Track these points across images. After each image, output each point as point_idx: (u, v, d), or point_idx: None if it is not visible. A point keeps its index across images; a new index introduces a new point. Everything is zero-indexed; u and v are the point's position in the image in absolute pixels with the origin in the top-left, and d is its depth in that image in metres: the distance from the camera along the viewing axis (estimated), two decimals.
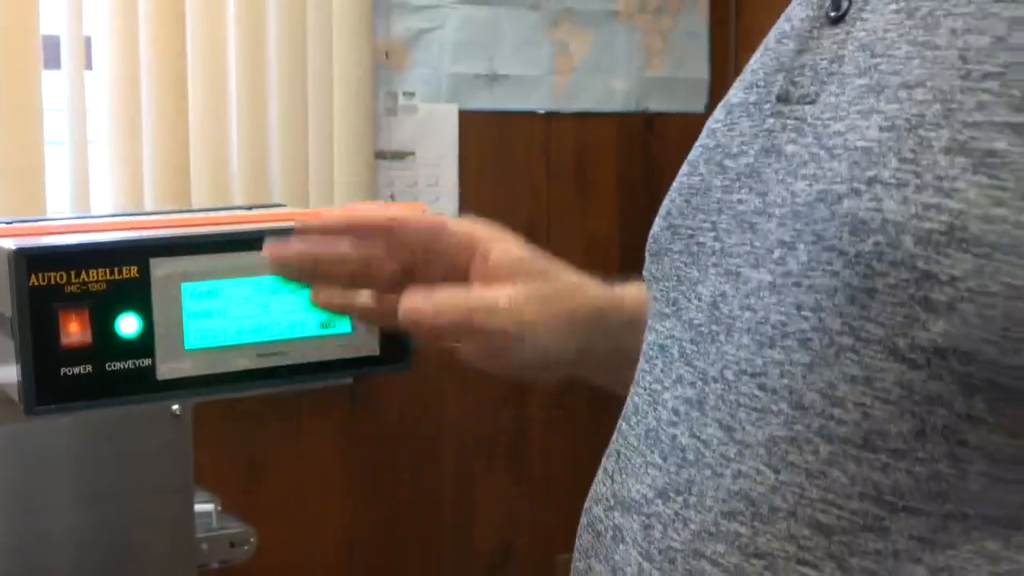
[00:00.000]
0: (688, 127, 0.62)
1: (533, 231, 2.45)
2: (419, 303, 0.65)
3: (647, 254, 0.62)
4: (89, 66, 1.95)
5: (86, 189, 1.91)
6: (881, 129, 0.48)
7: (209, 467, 2.18)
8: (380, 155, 2.24)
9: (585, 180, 2.48)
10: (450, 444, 2.47)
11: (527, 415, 2.51)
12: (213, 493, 1.68)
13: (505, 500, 2.52)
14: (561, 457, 2.53)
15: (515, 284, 0.68)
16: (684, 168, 0.61)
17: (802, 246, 0.50)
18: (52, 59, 1.92)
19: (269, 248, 0.68)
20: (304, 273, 0.70)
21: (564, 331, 0.69)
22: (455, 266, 0.70)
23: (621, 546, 0.56)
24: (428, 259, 0.70)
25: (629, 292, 0.73)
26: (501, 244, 0.70)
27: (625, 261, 2.49)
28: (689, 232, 0.58)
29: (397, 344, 0.89)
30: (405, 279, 0.69)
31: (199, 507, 1.61)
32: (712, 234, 0.56)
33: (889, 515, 0.47)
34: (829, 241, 0.48)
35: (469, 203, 2.36)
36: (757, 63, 0.59)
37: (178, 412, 1.50)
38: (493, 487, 2.50)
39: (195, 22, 1.98)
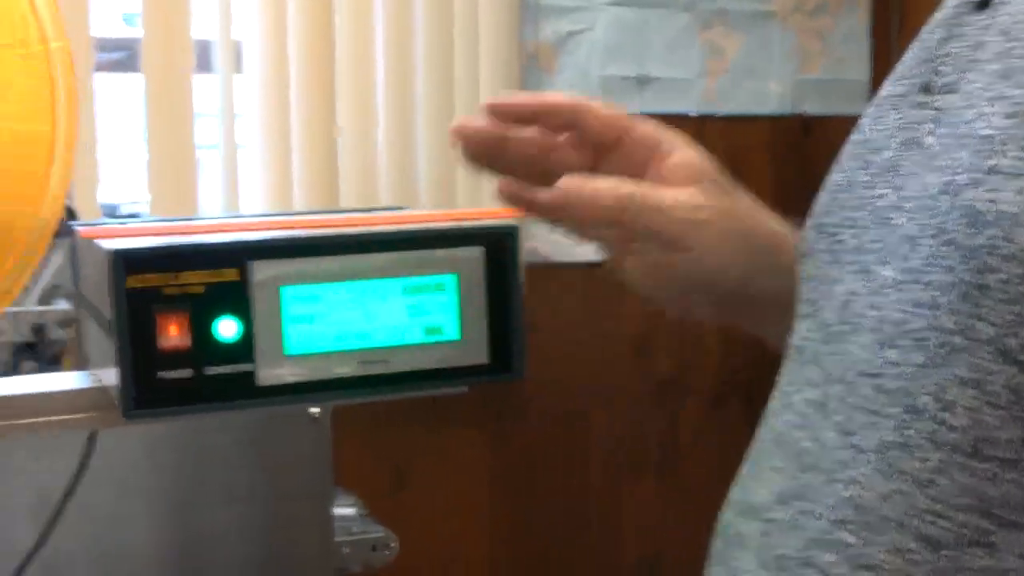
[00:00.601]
0: (847, 131, 0.59)
1: None
2: (578, 182, 0.64)
3: (796, 256, 0.61)
4: (240, 70, 1.98)
5: (236, 191, 1.93)
6: (1006, 116, 0.46)
7: (355, 472, 2.19)
8: None
9: (738, 184, 2.42)
10: (598, 453, 2.43)
11: (678, 423, 2.46)
12: (357, 497, 1.69)
13: (654, 511, 2.47)
14: (713, 466, 2.46)
15: (693, 189, 0.66)
16: (834, 166, 0.60)
17: (925, 240, 0.48)
18: (203, 63, 1.95)
19: (456, 124, 0.69)
20: (487, 153, 0.71)
21: (736, 249, 0.67)
22: (636, 165, 0.68)
23: (740, 552, 0.55)
24: (610, 155, 0.68)
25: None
26: (684, 149, 0.68)
27: None
28: (832, 231, 0.57)
29: (508, 352, 0.86)
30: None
31: (342, 511, 1.61)
32: (852, 231, 0.55)
33: (997, 529, 0.45)
34: (949, 235, 0.46)
35: None
36: (909, 54, 0.57)
37: (317, 415, 1.50)
38: (641, 497, 2.46)
39: (343, 27, 1.99)
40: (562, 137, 0.70)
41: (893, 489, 0.48)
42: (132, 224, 0.92)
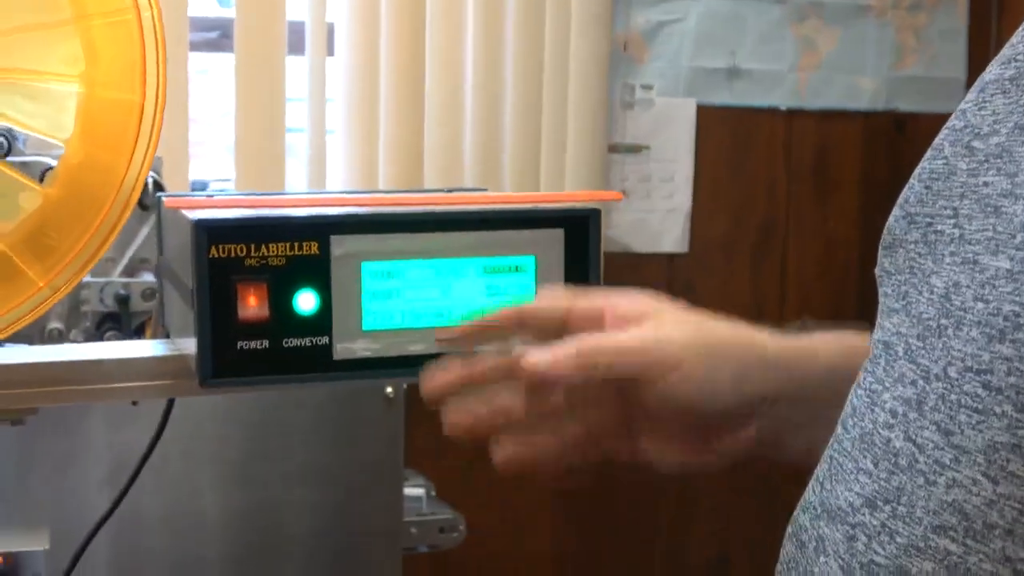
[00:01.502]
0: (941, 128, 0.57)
1: (769, 232, 2.38)
2: (536, 355, 0.64)
3: (880, 248, 0.58)
4: (331, 53, 1.99)
5: (323, 172, 1.95)
6: None
7: (426, 453, 2.20)
8: (614, 148, 2.21)
9: (827, 181, 2.38)
10: None
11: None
12: (427, 478, 1.70)
13: (725, 509, 2.45)
14: (790, 470, 2.43)
15: (647, 322, 0.67)
16: (928, 153, 0.57)
17: None
18: (296, 45, 1.97)
19: (425, 384, 0.73)
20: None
21: (713, 357, 0.66)
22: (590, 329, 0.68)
23: (822, 558, 0.53)
24: (567, 334, 0.68)
25: (823, 341, 0.69)
26: (631, 296, 0.69)
27: (865, 268, 2.38)
28: (927, 220, 0.54)
29: None
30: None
31: (412, 491, 1.63)
32: (952, 221, 0.52)
33: None
34: None
35: (703, 200, 2.30)
36: (1017, 37, 0.54)
37: (391, 395, 1.51)
38: (713, 494, 2.44)
39: (434, 12, 2.00)
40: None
41: (1002, 493, 0.45)
42: (217, 196, 0.93)
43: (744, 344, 0.67)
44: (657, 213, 2.27)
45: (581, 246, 0.84)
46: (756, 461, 0.73)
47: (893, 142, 2.42)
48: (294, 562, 1.50)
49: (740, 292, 2.35)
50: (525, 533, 2.38)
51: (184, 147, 1.85)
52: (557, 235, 0.83)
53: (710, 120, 2.29)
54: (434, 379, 0.73)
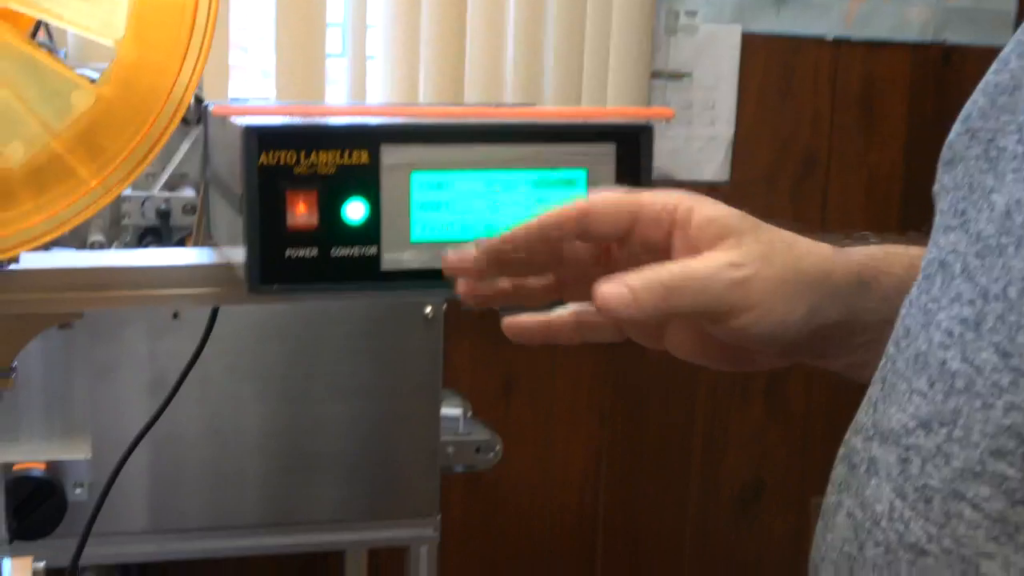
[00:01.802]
0: (989, 61, 0.55)
1: (811, 163, 2.35)
2: (613, 290, 0.59)
3: (939, 164, 0.56)
4: None
5: (363, 88, 1.94)
6: None
7: (464, 374, 2.21)
8: (656, 74, 2.19)
9: (871, 113, 2.35)
10: (705, 374, 2.42)
11: None
12: (464, 398, 1.70)
13: (759, 436, 2.45)
14: (822, 393, 2.44)
15: (725, 247, 0.62)
16: (993, 66, 0.54)
17: None
18: None
19: (447, 261, 0.67)
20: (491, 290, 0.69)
21: (788, 293, 0.62)
22: (658, 242, 0.64)
23: (874, 480, 0.51)
24: (630, 240, 0.65)
25: (873, 252, 0.66)
26: (702, 208, 0.63)
27: (907, 202, 2.36)
28: (989, 136, 0.52)
29: None
30: (605, 264, 0.66)
31: (450, 412, 1.63)
32: (1016, 136, 0.50)
33: None
34: None
35: (746, 129, 2.28)
36: None
37: (431, 314, 1.52)
38: (747, 421, 2.44)
39: None
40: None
41: None
42: (266, 104, 0.92)
43: (820, 272, 0.63)
44: (698, 141, 2.24)
45: (633, 162, 0.83)
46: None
47: (940, 75, 2.38)
48: (331, 478, 1.51)
49: (780, 224, 2.32)
50: (561, 455, 2.39)
51: (224, 67, 1.84)
52: (609, 150, 0.82)
53: (755, 48, 2.25)
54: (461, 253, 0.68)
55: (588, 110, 0.91)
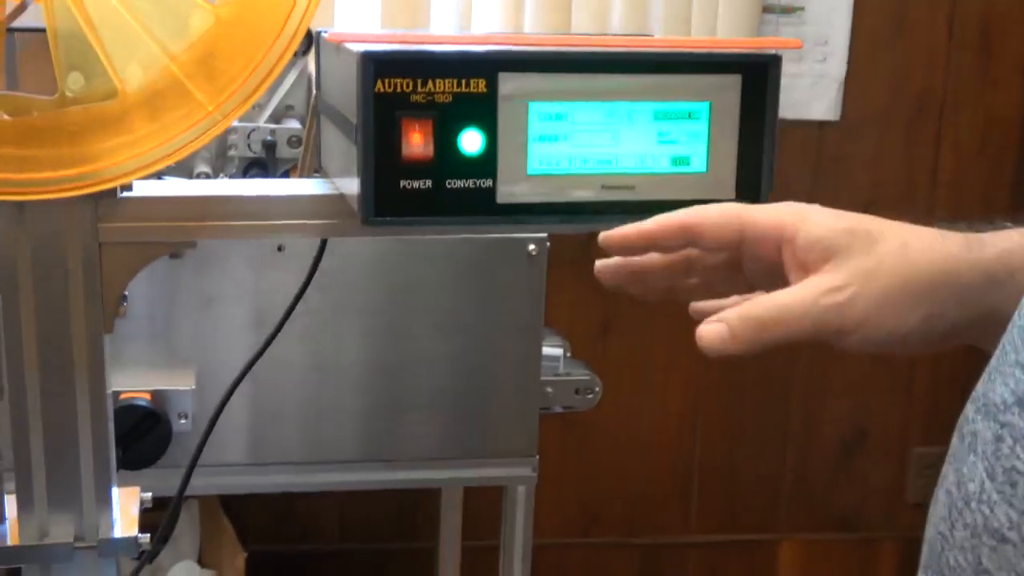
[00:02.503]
0: None
1: (925, 103, 2.28)
2: (712, 330, 0.61)
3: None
4: None
5: (469, 10, 1.91)
6: None
7: (563, 314, 2.19)
8: (768, 8, 2.13)
9: (990, 52, 2.27)
10: None
11: None
12: (565, 339, 1.68)
13: (861, 384, 2.40)
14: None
15: (828, 268, 0.61)
16: None
17: None
18: None
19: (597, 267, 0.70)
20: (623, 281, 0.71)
21: (900, 303, 0.60)
22: (768, 256, 0.64)
23: (971, 456, 0.48)
24: (739, 251, 0.65)
25: (1010, 244, 0.62)
26: (807, 224, 0.62)
27: None
28: None
29: (756, 189, 0.81)
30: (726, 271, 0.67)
31: (549, 350, 1.61)
32: None
33: None
34: None
35: (859, 67, 2.21)
36: None
37: (534, 251, 1.49)
38: (849, 369, 2.39)
39: None
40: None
41: None
42: (381, 32, 0.90)
43: (941, 275, 0.61)
44: (808, 78, 2.18)
45: (758, 94, 0.80)
46: None
47: None
48: (430, 415, 1.51)
49: (892, 165, 2.26)
50: (659, 397, 2.37)
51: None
52: (734, 81, 0.79)
53: None
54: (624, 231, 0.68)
55: (710, 41, 0.88)
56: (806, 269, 0.62)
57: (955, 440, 0.51)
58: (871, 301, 0.60)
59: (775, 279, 0.64)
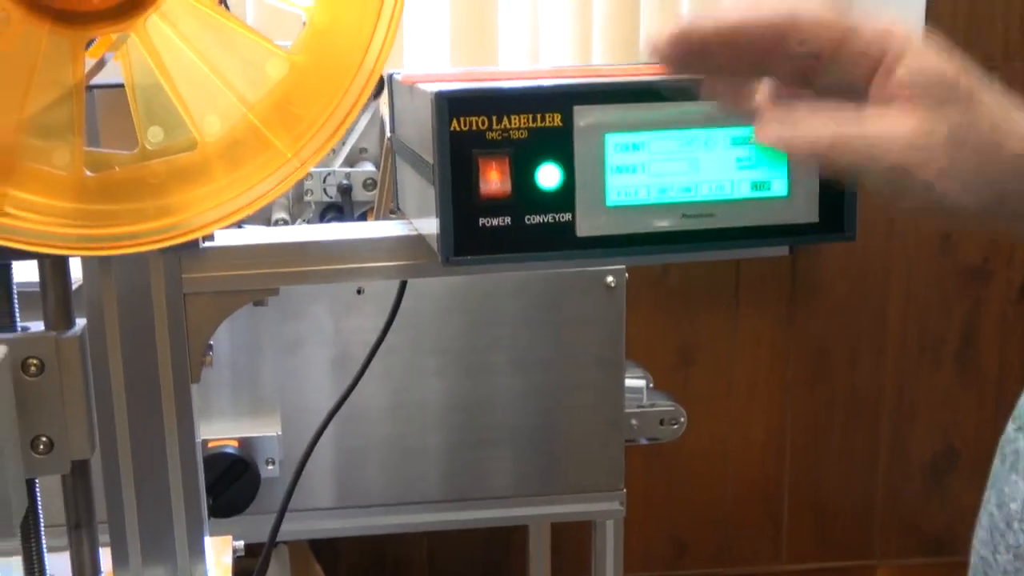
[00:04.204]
0: None
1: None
2: (775, 132, 0.57)
3: None
4: None
5: (537, 45, 1.91)
6: None
7: (643, 345, 2.18)
8: None
9: None
10: (893, 340, 2.33)
11: (981, 312, 2.32)
12: (646, 370, 1.67)
13: (950, 404, 2.36)
14: (1017, 355, 2.33)
15: (917, 112, 0.56)
16: None
17: None
18: None
19: (650, 46, 0.60)
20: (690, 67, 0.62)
21: (974, 176, 0.57)
22: (860, 77, 0.58)
23: (1014, 476, 0.46)
24: (830, 65, 0.59)
25: None
26: (914, 55, 0.56)
27: None
28: None
29: (839, 211, 0.80)
30: (805, 78, 0.60)
31: (631, 382, 1.60)
32: None
33: None
34: None
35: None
36: None
37: (613, 284, 1.49)
38: (938, 387, 2.35)
39: None
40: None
41: None
42: (453, 71, 0.90)
43: (1021, 164, 0.58)
44: None
45: None
46: None
47: None
48: (514, 452, 1.50)
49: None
50: (740, 425, 2.34)
51: (399, 38, 1.84)
52: None
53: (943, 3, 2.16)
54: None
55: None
56: (890, 97, 0.57)
57: (996, 462, 0.50)
58: (951, 160, 0.56)
59: (851, 95, 0.59)
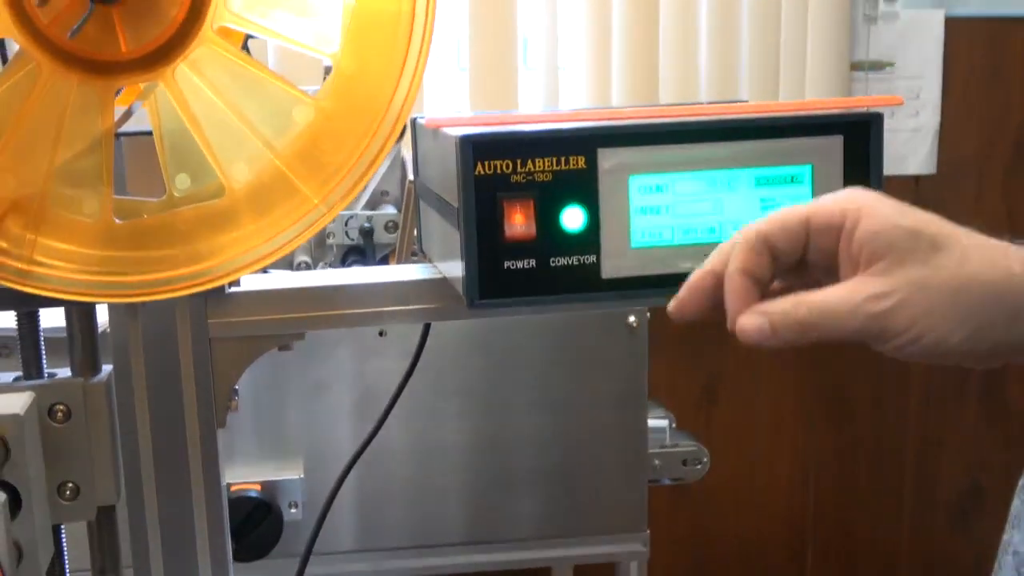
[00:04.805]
0: None
1: (1023, 149, 2.24)
2: (752, 322, 0.60)
3: None
4: None
5: (557, 87, 1.92)
6: None
7: (665, 384, 2.17)
8: (856, 66, 2.11)
9: None
10: (917, 376, 2.32)
11: None
12: (669, 410, 1.66)
13: (977, 439, 2.34)
14: None
15: (875, 271, 0.59)
16: None
17: None
18: None
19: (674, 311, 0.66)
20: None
21: (949, 315, 0.59)
22: (828, 251, 0.62)
23: None
24: (809, 251, 0.63)
25: None
26: (870, 218, 0.60)
27: None
28: None
29: None
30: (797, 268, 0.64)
31: (654, 422, 1.59)
32: None
33: None
34: None
35: (953, 118, 2.18)
36: None
37: (635, 323, 1.48)
38: (963, 425, 2.33)
39: None
40: None
41: None
42: (477, 115, 0.90)
43: (995, 292, 0.59)
44: (902, 133, 2.16)
45: (861, 154, 0.78)
46: None
47: None
48: (536, 493, 1.49)
49: (993, 212, 2.22)
50: (768, 464, 2.33)
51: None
52: (836, 143, 0.78)
53: (959, 32, 2.15)
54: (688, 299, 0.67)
55: (807, 103, 0.87)
56: (856, 264, 0.60)
57: (1016, 503, 0.50)
58: (917, 310, 0.58)
59: (833, 272, 0.62)
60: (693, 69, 1.95)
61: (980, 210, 2.21)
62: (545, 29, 1.91)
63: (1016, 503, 0.50)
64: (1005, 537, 0.51)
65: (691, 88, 1.95)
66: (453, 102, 1.97)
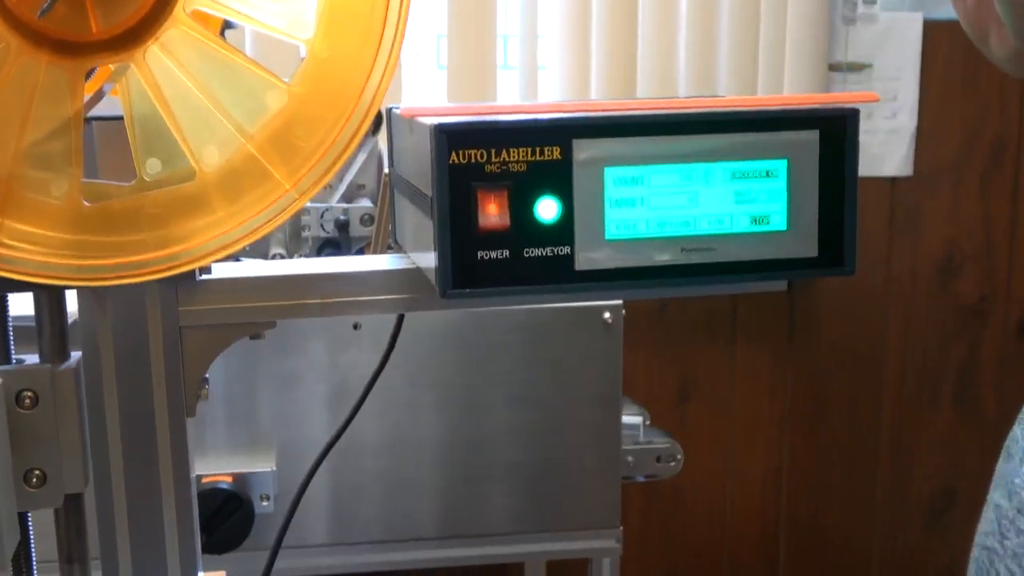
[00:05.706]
0: None
1: (999, 154, 2.25)
2: None
3: None
4: None
5: (535, 86, 1.92)
6: None
7: (641, 381, 2.17)
8: (834, 67, 2.12)
9: None
10: (891, 378, 2.33)
11: (979, 350, 2.32)
12: (643, 407, 1.66)
13: (950, 442, 2.35)
14: (1017, 397, 2.33)
15: None
16: None
17: None
18: None
19: None
20: None
21: None
22: None
23: (1022, 467, 0.48)
24: None
25: None
26: None
27: None
28: None
29: (839, 245, 0.80)
30: None
31: (628, 419, 1.59)
32: None
33: None
34: None
35: (929, 121, 2.19)
36: None
37: (610, 320, 1.48)
38: (937, 427, 2.34)
39: None
40: None
41: None
42: (453, 105, 0.90)
43: None
44: (879, 135, 2.16)
45: (837, 149, 0.78)
46: None
47: None
48: (510, 489, 1.49)
49: (969, 216, 2.23)
50: (741, 463, 2.33)
51: (397, 77, 1.84)
52: (811, 137, 0.78)
53: (938, 35, 2.16)
54: None
55: (783, 97, 0.87)
56: None
57: (1000, 464, 0.50)
58: None
59: None
60: (672, 72, 1.96)
61: (956, 212, 2.22)
62: (524, 28, 1.91)
63: (1000, 464, 0.51)
64: (988, 497, 0.51)
65: (669, 84, 1.95)
66: (432, 101, 1.97)
